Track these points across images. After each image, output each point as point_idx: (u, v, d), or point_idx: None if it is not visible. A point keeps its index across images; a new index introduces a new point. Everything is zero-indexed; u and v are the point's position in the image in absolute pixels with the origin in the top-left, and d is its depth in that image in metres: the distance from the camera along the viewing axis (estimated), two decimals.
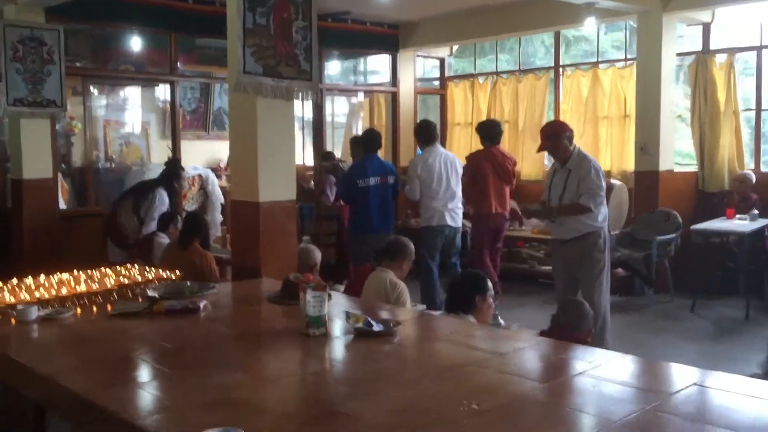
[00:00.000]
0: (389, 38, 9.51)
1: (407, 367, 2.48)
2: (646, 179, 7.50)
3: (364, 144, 6.43)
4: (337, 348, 2.75)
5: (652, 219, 7.28)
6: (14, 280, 3.81)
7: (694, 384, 2.16)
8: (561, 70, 9.03)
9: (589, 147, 8.60)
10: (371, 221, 6.31)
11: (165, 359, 2.56)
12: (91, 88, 8.72)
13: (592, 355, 2.53)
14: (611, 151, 8.53)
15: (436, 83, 10.50)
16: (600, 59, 8.87)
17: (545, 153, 6.78)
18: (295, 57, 4.26)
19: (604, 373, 2.29)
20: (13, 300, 3.33)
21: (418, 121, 9.86)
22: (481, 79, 9.89)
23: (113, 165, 9.33)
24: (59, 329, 3.05)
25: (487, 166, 7.03)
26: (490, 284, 3.76)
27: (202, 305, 3.30)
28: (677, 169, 7.94)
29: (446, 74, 10.34)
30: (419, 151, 9.58)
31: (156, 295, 3.54)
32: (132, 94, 10.15)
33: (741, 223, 6.82)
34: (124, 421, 1.94)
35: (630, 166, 8.06)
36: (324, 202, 7.56)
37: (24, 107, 6.43)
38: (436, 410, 1.99)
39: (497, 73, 9.75)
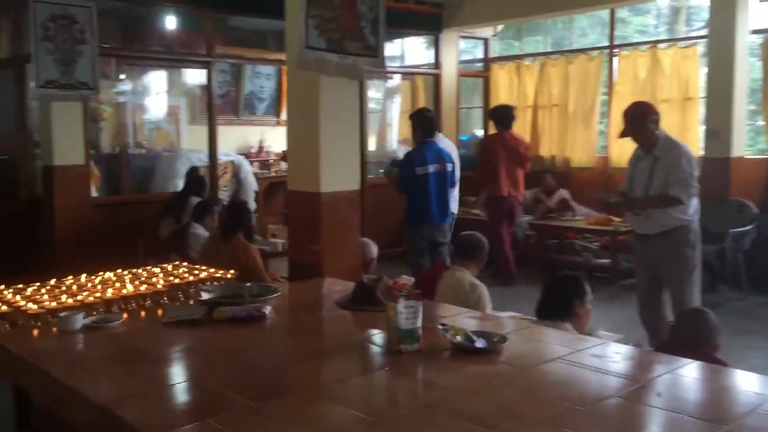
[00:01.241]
0: (432, 18, 9.00)
1: (535, 398, 2.05)
2: (716, 166, 6.97)
3: (423, 127, 5.93)
4: (438, 370, 2.32)
5: (724, 210, 6.76)
6: (53, 281, 3.44)
7: None
8: (616, 49, 8.48)
9: None
10: (430, 211, 5.89)
11: (239, 383, 2.15)
12: (122, 70, 8.33)
13: (754, 383, 2.08)
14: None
15: (479, 65, 9.99)
16: (659, 38, 8.31)
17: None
18: (360, 30, 3.82)
19: None
20: (54, 304, 2.95)
21: (459, 105, 9.44)
22: (528, 61, 9.38)
23: (144, 151, 8.95)
24: (108, 341, 2.65)
25: (500, 150, 7.20)
26: (588, 287, 3.31)
27: (267, 312, 2.89)
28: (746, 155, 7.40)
29: (490, 55, 9.82)
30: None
31: (211, 298, 3.15)
32: (161, 77, 9.77)
33: None
34: None
35: (693, 152, 7.52)
36: None
37: (55, 89, 6.03)
38: None
39: (546, 54, 9.23)
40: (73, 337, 2.68)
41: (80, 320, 2.76)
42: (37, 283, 3.37)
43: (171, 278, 3.43)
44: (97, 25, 6.24)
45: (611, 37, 8.58)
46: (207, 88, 7.33)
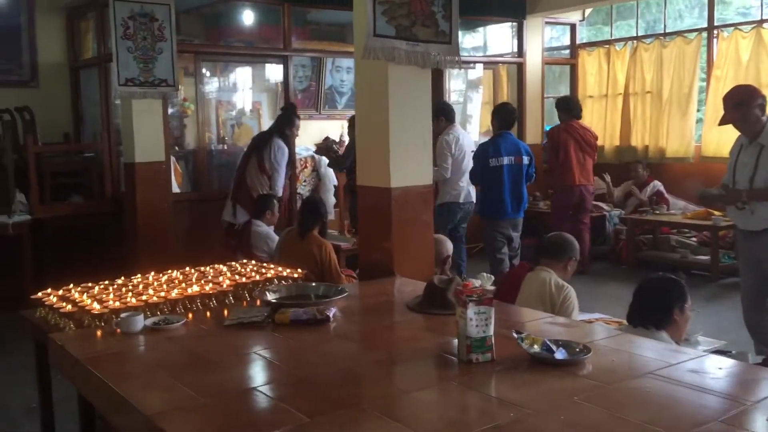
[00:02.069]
0: (515, 3, 8.65)
1: (622, 421, 1.79)
2: None
3: (499, 119, 5.75)
4: (511, 384, 2.09)
5: None
6: (120, 279, 3.40)
7: None
8: (716, 31, 7.90)
9: None
10: (504, 205, 5.74)
11: (294, 395, 1.99)
12: (203, 67, 8.39)
13: None
14: None
15: (566, 52, 9.56)
16: (764, 17, 7.68)
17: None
18: (432, 15, 3.60)
19: None
20: (117, 304, 2.88)
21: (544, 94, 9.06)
22: (618, 46, 8.89)
23: (226, 147, 9.02)
24: (167, 344, 2.54)
25: (569, 139, 7.15)
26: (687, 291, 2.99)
27: (331, 314, 2.73)
28: None
29: (577, 41, 9.37)
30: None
31: (276, 298, 3.02)
32: (243, 73, 9.82)
33: None
34: None
35: None
36: None
37: (135, 87, 6.10)
38: None
39: (638, 38, 8.72)
40: (133, 340, 2.60)
41: (141, 322, 2.67)
42: (105, 282, 3.34)
43: (237, 277, 3.33)
44: (176, 22, 6.29)
45: (710, 18, 8.00)
46: (284, 83, 7.28)
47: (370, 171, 3.63)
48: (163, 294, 3.04)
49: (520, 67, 8.92)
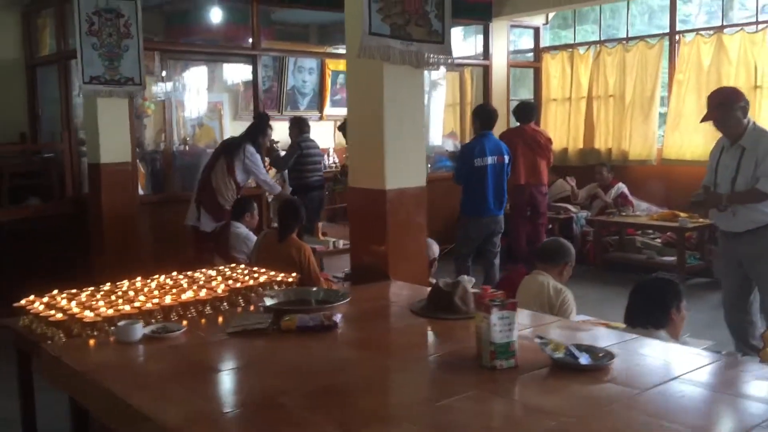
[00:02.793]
0: (482, 6, 8.67)
1: (665, 429, 1.76)
2: None
3: (480, 120, 5.81)
4: (538, 390, 2.05)
5: None
6: (107, 285, 3.25)
7: None
8: (678, 36, 8.07)
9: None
10: (486, 203, 5.87)
11: (326, 409, 1.91)
12: (168, 66, 8.19)
13: None
14: None
15: (529, 55, 9.65)
16: (725, 23, 7.88)
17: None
18: (425, 15, 3.56)
19: None
20: (111, 312, 2.75)
21: (509, 97, 9.13)
22: (581, 50, 9.01)
23: (187, 148, 8.81)
24: (170, 353, 2.43)
25: (517, 141, 7.14)
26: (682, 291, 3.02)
27: (338, 320, 2.66)
28: None
29: (541, 45, 9.46)
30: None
31: (275, 304, 2.93)
32: (203, 73, 9.61)
33: None
34: None
35: None
36: None
37: (101, 85, 5.89)
38: None
39: (601, 42, 8.84)
40: (132, 349, 2.47)
41: (140, 330, 2.55)
42: (91, 288, 3.19)
43: (230, 282, 3.22)
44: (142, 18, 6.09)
45: (672, 24, 8.17)
46: (253, 82, 7.14)
47: (363, 173, 3.56)
48: (156, 300, 2.92)
49: (486, 70, 8.96)
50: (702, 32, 7.93)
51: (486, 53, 8.95)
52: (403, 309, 2.96)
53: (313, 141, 7.31)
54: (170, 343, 2.53)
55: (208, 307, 2.98)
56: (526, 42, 9.79)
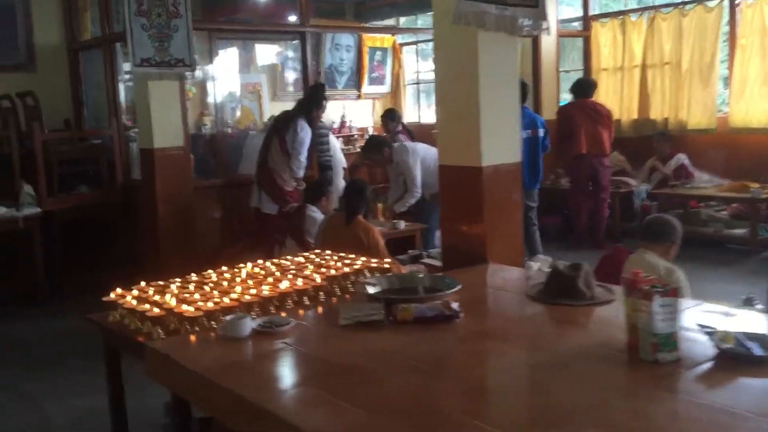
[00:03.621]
0: None
1: None
2: None
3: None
4: (724, 386, 1.84)
5: None
6: (194, 276, 3.08)
7: None
8: None
9: None
10: (522, 177, 5.63)
11: (490, 413, 1.72)
12: (217, 46, 7.97)
13: None
14: None
15: (577, 24, 9.30)
16: None
17: None
18: None
19: None
20: (211, 305, 2.57)
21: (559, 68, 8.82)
22: (634, 16, 8.65)
23: (230, 130, 8.63)
24: (287, 350, 2.24)
25: (577, 113, 7.10)
26: None
27: (457, 309, 2.45)
28: None
29: (590, 13, 9.11)
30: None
31: (378, 292, 2.73)
32: (241, 53, 9.40)
33: None
34: None
35: None
36: None
37: (152, 68, 5.69)
38: None
39: (655, 8, 8.48)
40: (243, 346, 2.29)
41: (249, 325, 2.37)
42: (178, 279, 3.02)
43: (324, 270, 3.02)
44: None
45: None
46: (302, 60, 6.90)
47: (456, 149, 3.34)
48: (254, 291, 2.74)
49: (535, 41, 8.62)
50: None
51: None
52: (517, 294, 2.76)
53: (322, 121, 7.05)
54: (281, 338, 2.34)
55: (305, 298, 2.80)
56: (572, 11, 9.44)
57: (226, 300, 2.63)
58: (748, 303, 3.63)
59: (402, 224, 5.81)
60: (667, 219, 3.61)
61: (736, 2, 7.73)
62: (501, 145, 3.29)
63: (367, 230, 4.60)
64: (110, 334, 2.81)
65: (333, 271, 2.98)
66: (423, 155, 6.20)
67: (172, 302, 2.63)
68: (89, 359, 3.54)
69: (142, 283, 2.95)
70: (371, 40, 10.58)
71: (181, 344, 2.36)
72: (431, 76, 11.57)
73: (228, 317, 2.40)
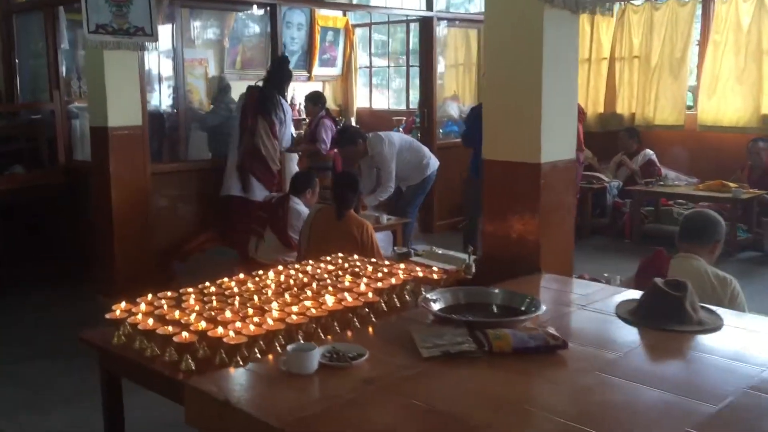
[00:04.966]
0: None
1: None
2: None
3: None
4: None
5: None
6: (208, 284, 2.56)
7: None
8: None
9: (751, 87, 7.29)
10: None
11: None
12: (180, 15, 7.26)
13: None
14: None
15: None
16: None
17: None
18: None
19: None
20: (253, 329, 2.06)
21: None
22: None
23: (176, 110, 7.92)
24: (377, 394, 1.79)
25: None
26: None
27: (559, 335, 2.05)
28: None
29: None
30: None
31: (442, 309, 2.30)
32: (188, 27, 8.67)
33: None
34: None
35: None
36: (321, 151, 6.30)
37: (108, 35, 5.00)
38: None
39: (626, 0, 8.29)
40: (310, 386, 1.82)
41: (317, 358, 1.89)
42: (190, 289, 2.48)
43: (366, 281, 2.55)
44: None
45: None
46: (271, 34, 6.33)
47: (506, 143, 2.92)
48: (296, 308, 2.25)
49: None
50: None
51: None
52: (604, 315, 2.38)
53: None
54: (358, 375, 1.88)
55: (356, 322, 2.33)
56: None
57: (269, 321, 2.13)
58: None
59: (385, 218, 5.38)
60: (707, 214, 3.28)
61: None
62: (560, 138, 2.90)
63: (361, 225, 4.18)
64: (112, 359, 2.26)
65: (379, 284, 2.52)
66: (399, 146, 5.78)
67: (201, 323, 2.11)
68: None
69: (149, 296, 2.40)
70: (323, 19, 10.05)
71: (235, 383, 1.86)
72: (383, 62, 11.15)
73: (290, 348, 1.91)
